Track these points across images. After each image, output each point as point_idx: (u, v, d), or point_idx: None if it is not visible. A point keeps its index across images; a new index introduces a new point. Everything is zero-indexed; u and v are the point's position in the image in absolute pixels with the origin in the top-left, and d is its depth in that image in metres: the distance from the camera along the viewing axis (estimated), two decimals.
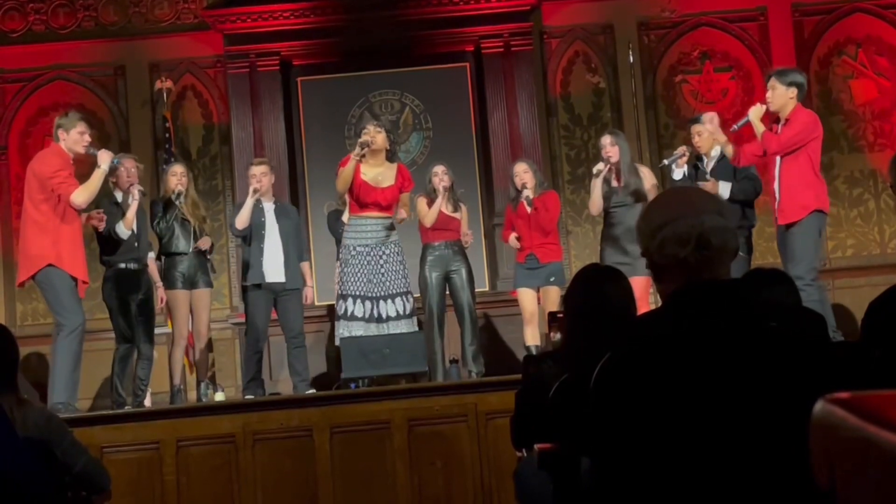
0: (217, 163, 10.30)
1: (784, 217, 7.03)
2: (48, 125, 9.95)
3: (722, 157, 7.63)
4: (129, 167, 7.73)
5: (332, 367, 8.84)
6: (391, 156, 7.86)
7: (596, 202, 7.97)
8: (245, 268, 7.95)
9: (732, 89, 10.33)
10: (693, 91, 10.33)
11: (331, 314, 8.70)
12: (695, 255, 2.23)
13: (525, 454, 4.06)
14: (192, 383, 8.36)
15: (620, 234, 7.80)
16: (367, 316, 7.63)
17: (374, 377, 7.38)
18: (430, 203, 8.09)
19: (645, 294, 7.43)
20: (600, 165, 7.96)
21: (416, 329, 7.77)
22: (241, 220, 7.81)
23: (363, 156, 7.61)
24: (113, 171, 7.51)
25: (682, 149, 7.94)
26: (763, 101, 7.26)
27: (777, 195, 7.07)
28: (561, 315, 4.12)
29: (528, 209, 7.96)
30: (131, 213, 7.50)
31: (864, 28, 10.36)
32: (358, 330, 7.57)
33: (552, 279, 8.02)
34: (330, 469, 6.43)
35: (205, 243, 7.97)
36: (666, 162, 8.01)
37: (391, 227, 7.80)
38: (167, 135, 9.80)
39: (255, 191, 7.81)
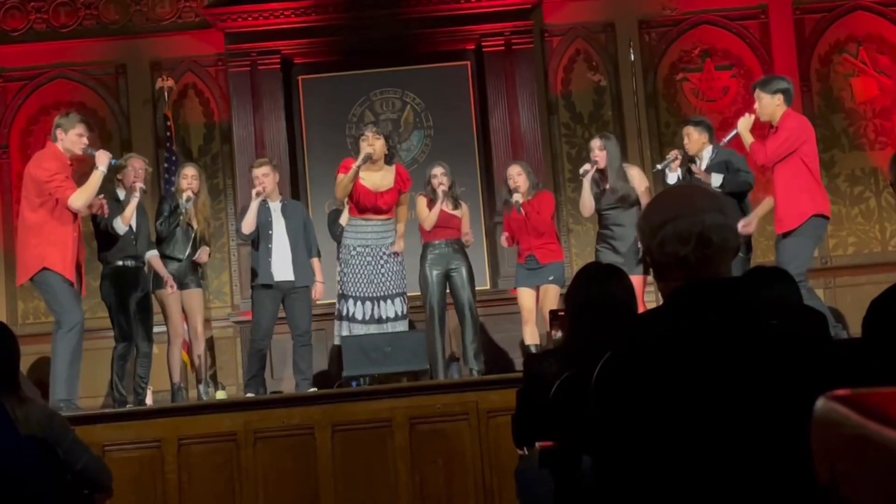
0: (218, 162, 10.30)
1: (782, 226, 7.03)
2: (49, 124, 9.92)
3: (715, 156, 7.64)
4: (139, 167, 7.74)
5: (334, 366, 8.84)
6: (389, 158, 7.87)
7: (587, 204, 8.01)
8: (253, 269, 7.95)
9: (733, 87, 10.32)
10: (694, 89, 10.33)
11: (332, 312, 8.70)
12: (696, 253, 2.23)
13: (526, 452, 4.06)
14: (192, 381, 8.37)
15: (615, 234, 7.86)
16: (366, 318, 7.65)
17: (375, 375, 7.38)
18: (431, 203, 8.10)
19: (640, 292, 7.44)
20: (586, 166, 8.01)
21: (416, 327, 7.78)
22: (248, 224, 7.82)
23: (364, 163, 7.63)
24: (118, 169, 7.51)
25: (674, 153, 7.96)
26: (752, 112, 7.27)
27: (774, 204, 7.08)
28: (562, 313, 4.12)
29: (520, 213, 7.98)
30: (130, 209, 7.50)
31: (865, 26, 10.35)
32: (359, 331, 7.58)
33: (551, 278, 8.04)
34: (331, 467, 6.43)
35: (203, 257, 7.98)
36: (659, 167, 8.04)
37: (391, 229, 7.81)
38: (168, 133, 9.79)
39: (258, 193, 7.81)
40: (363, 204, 7.69)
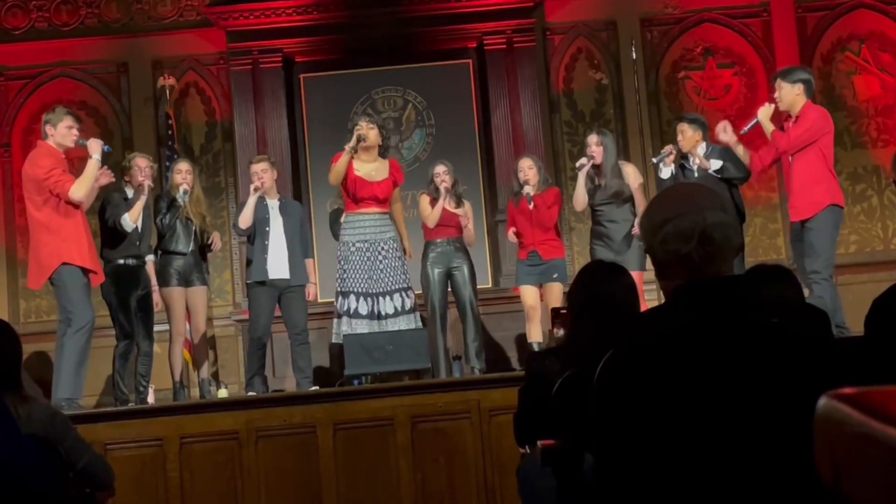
0: (220, 160, 10.30)
1: (797, 214, 7.06)
2: None
3: (708, 153, 7.64)
4: (144, 166, 7.73)
5: (335, 364, 8.84)
6: (383, 151, 7.87)
7: (580, 198, 8.02)
8: (249, 265, 7.96)
9: (735, 85, 10.32)
10: (696, 87, 10.33)
11: (332, 311, 8.70)
12: (698, 251, 2.23)
13: (528, 451, 4.05)
14: (194, 380, 8.37)
15: (608, 231, 7.87)
16: (367, 313, 7.63)
17: (376, 374, 7.38)
18: (433, 202, 8.10)
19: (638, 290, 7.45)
20: (583, 160, 8.01)
21: (418, 325, 7.76)
22: (245, 218, 7.82)
23: (356, 150, 7.62)
24: (111, 156, 7.51)
25: (668, 147, 7.96)
26: (767, 98, 7.29)
27: (790, 192, 7.09)
28: (564, 311, 4.12)
29: (530, 205, 7.98)
30: (138, 206, 7.51)
31: (868, 24, 10.34)
32: (362, 328, 7.57)
33: (555, 275, 8.03)
34: (333, 466, 6.43)
35: (217, 243, 8.00)
36: (654, 160, 8.04)
37: (389, 223, 7.80)
38: (170, 132, 9.80)
39: (256, 189, 7.81)
40: (359, 194, 7.67)
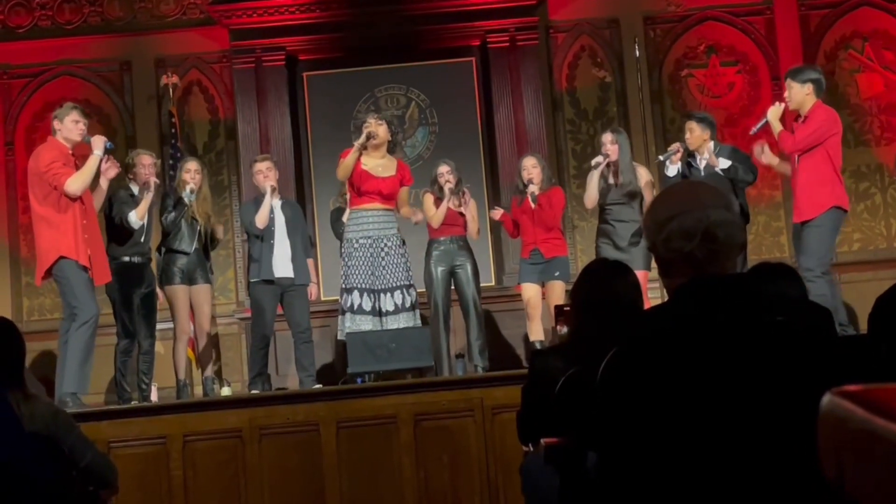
0: (223, 158, 10.31)
1: (800, 214, 7.05)
2: None
3: (716, 152, 7.64)
4: (148, 164, 7.74)
5: (338, 362, 8.85)
6: (392, 147, 7.87)
7: (591, 196, 8.00)
8: (252, 264, 7.96)
9: (739, 83, 10.31)
10: (699, 85, 10.32)
11: (336, 309, 8.71)
12: (701, 249, 2.23)
13: (531, 449, 4.05)
14: (198, 378, 8.38)
15: (616, 230, 7.86)
16: (371, 309, 7.63)
17: (379, 372, 7.38)
18: (437, 201, 8.10)
19: (642, 288, 7.43)
20: (598, 158, 7.99)
21: (417, 322, 7.75)
22: (262, 218, 7.83)
23: (365, 147, 7.62)
24: (131, 167, 7.54)
25: (675, 145, 7.94)
26: (771, 97, 7.29)
27: (794, 192, 7.09)
28: (567, 309, 4.12)
29: (533, 206, 7.98)
30: (144, 203, 7.52)
31: (871, 22, 10.34)
32: (366, 325, 7.57)
33: (557, 274, 8.03)
34: (336, 463, 6.43)
35: (219, 233, 8.01)
36: (661, 158, 8.02)
37: (393, 220, 7.79)
38: (173, 130, 9.81)
39: (273, 189, 7.83)
40: (363, 187, 7.66)
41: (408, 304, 7.70)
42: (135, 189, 7.71)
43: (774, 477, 2.02)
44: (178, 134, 9.81)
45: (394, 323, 7.60)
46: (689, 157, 7.81)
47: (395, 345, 7.31)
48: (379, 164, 7.72)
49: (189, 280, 7.88)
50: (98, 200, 7.37)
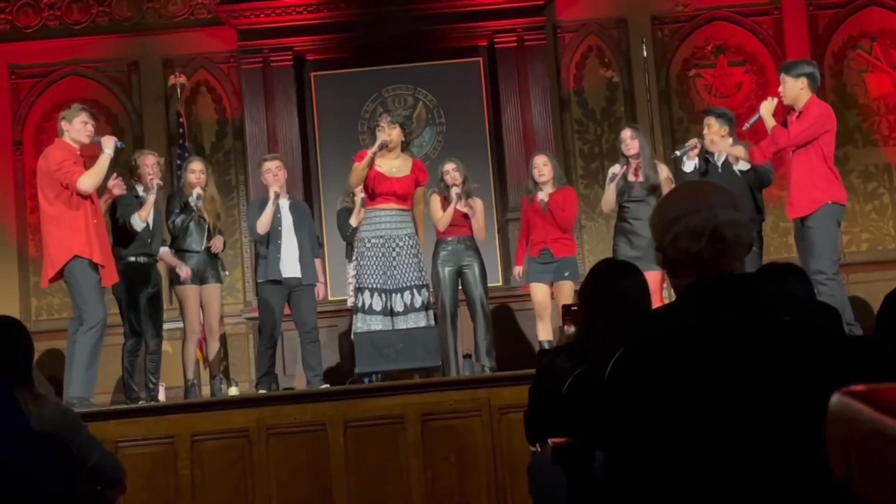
0: (230, 158, 10.32)
1: (794, 211, 7.02)
2: None
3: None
4: (151, 164, 7.75)
5: (346, 362, 8.86)
6: (405, 146, 7.86)
7: (609, 202, 7.97)
8: (260, 264, 7.96)
9: (746, 83, 10.30)
10: (707, 85, 10.31)
11: (344, 309, 8.71)
12: (709, 248, 2.23)
13: (539, 449, 4.05)
14: (206, 378, 8.39)
15: (634, 229, 7.79)
16: (383, 309, 7.62)
17: (387, 372, 7.38)
18: (443, 201, 8.10)
19: (658, 288, 7.43)
20: (616, 168, 7.95)
21: (430, 323, 7.74)
22: (263, 224, 7.82)
23: (380, 150, 7.63)
24: (135, 169, 7.56)
25: (693, 141, 7.90)
26: (775, 96, 7.25)
27: (789, 189, 7.07)
28: (575, 308, 4.12)
29: (544, 212, 7.97)
30: (148, 204, 7.54)
31: (879, 22, 10.32)
32: (377, 324, 7.56)
33: (566, 274, 8.02)
34: (344, 463, 6.43)
35: (217, 245, 7.98)
36: (678, 153, 7.98)
37: (407, 220, 7.77)
38: (181, 130, 9.82)
39: (277, 194, 7.82)
40: (377, 189, 7.65)
41: (419, 304, 7.68)
42: (139, 190, 7.72)
43: (782, 477, 2.02)
44: (186, 134, 9.83)
45: (405, 323, 7.60)
46: (706, 152, 7.79)
47: (403, 345, 7.31)
48: (393, 166, 7.70)
49: (200, 280, 7.89)
50: (104, 207, 7.40)
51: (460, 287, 8.17)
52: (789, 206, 7.08)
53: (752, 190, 7.48)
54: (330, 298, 9.08)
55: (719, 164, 7.66)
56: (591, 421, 3.07)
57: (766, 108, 7.21)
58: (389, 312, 7.63)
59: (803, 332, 2.17)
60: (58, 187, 6.91)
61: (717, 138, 7.44)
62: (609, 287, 3.77)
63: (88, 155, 7.19)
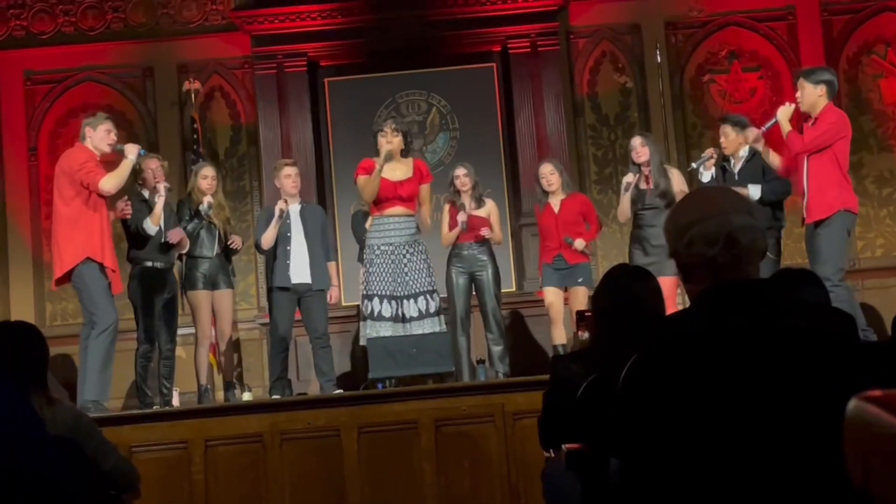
0: (244, 163, 10.34)
1: (811, 216, 7.02)
2: (77, 126, 9.96)
3: (751, 157, 7.62)
4: (155, 167, 7.77)
5: (359, 368, 8.85)
6: (406, 152, 7.82)
7: (624, 211, 7.98)
8: (270, 270, 7.96)
9: (761, 89, 10.28)
10: (721, 91, 10.30)
11: (357, 314, 8.71)
12: (723, 254, 2.22)
13: (553, 454, 4.05)
14: (219, 383, 8.40)
15: (649, 236, 7.80)
16: (393, 315, 7.62)
17: (400, 377, 7.38)
18: (453, 208, 8.12)
19: (672, 294, 7.42)
20: (629, 177, 7.95)
21: (442, 328, 7.74)
22: (268, 240, 7.80)
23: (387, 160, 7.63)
24: (139, 173, 7.58)
25: (709, 151, 7.90)
26: (792, 101, 7.24)
27: (805, 194, 7.05)
28: (589, 314, 4.11)
29: (571, 246, 7.96)
30: (158, 208, 7.56)
31: (894, 27, 10.30)
32: (386, 330, 7.56)
33: (580, 279, 8.02)
34: (357, 469, 6.43)
35: (237, 243, 8.01)
36: (694, 165, 7.97)
37: (414, 225, 7.78)
38: (195, 136, 9.85)
39: (282, 211, 7.78)
40: (384, 195, 7.65)
41: (432, 310, 7.68)
42: (146, 194, 7.74)
43: (799, 482, 2.01)
44: (200, 139, 9.85)
45: (418, 328, 7.59)
46: (723, 161, 7.78)
47: (416, 350, 7.31)
48: (397, 170, 7.71)
49: (212, 285, 7.91)
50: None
51: (474, 292, 8.17)
52: (807, 212, 7.07)
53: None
54: (343, 304, 9.08)
55: (736, 172, 7.65)
56: (605, 427, 3.06)
57: (784, 112, 7.21)
58: (400, 319, 7.62)
59: (818, 337, 2.16)
60: (77, 187, 6.97)
61: (760, 145, 7.42)
62: (623, 292, 3.76)
63: (105, 163, 7.23)
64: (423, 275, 7.69)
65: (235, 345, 9.30)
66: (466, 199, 8.16)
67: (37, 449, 2.95)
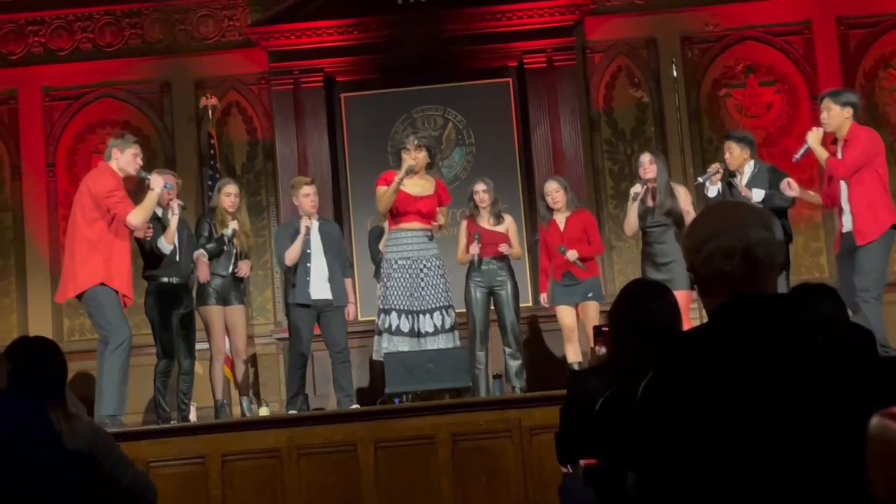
0: (261, 179, 10.37)
1: (863, 237, 6.95)
2: (95, 142, 10.09)
3: (756, 171, 7.62)
4: (168, 184, 7.79)
5: (376, 382, 8.85)
6: (430, 167, 7.87)
7: (631, 224, 7.98)
8: (290, 286, 7.96)
9: (777, 103, 10.27)
10: (737, 105, 10.28)
11: (374, 329, 8.72)
12: (741, 268, 2.21)
13: (570, 470, 4.04)
14: (236, 398, 8.40)
15: (658, 253, 7.83)
16: (410, 330, 7.63)
17: (417, 392, 7.38)
18: (471, 223, 8.13)
19: (685, 309, 7.41)
20: (637, 188, 7.96)
21: (457, 344, 7.74)
22: (292, 256, 7.79)
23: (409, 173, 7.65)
24: (142, 182, 7.63)
25: (715, 166, 7.91)
26: (818, 125, 7.21)
27: (849, 216, 6.99)
28: (606, 329, 4.10)
29: (576, 264, 7.96)
30: (172, 227, 7.58)
31: None
32: (403, 346, 7.57)
33: (590, 295, 8.03)
34: (374, 484, 6.43)
35: (244, 270, 8.01)
36: (700, 180, 7.97)
37: (431, 240, 7.80)
38: (212, 151, 9.88)
39: (308, 228, 7.78)
40: (401, 209, 7.67)
41: (448, 326, 7.69)
42: (159, 212, 7.74)
43: (817, 499, 2.00)
44: (217, 155, 9.88)
45: (433, 344, 7.60)
46: (729, 176, 7.78)
47: (433, 365, 7.31)
48: (417, 185, 7.73)
49: (223, 301, 7.93)
50: None
51: (492, 307, 8.18)
52: (858, 235, 6.99)
53: (778, 214, 7.46)
54: (360, 319, 9.08)
55: (742, 187, 7.65)
56: (622, 442, 3.05)
57: (814, 138, 7.19)
58: (416, 334, 7.63)
59: (836, 352, 2.15)
60: (101, 211, 7.02)
61: (795, 186, 7.43)
62: (639, 307, 3.75)
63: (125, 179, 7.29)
64: (440, 290, 7.70)
65: (252, 360, 9.30)
66: (485, 215, 8.17)
67: (55, 464, 2.96)
